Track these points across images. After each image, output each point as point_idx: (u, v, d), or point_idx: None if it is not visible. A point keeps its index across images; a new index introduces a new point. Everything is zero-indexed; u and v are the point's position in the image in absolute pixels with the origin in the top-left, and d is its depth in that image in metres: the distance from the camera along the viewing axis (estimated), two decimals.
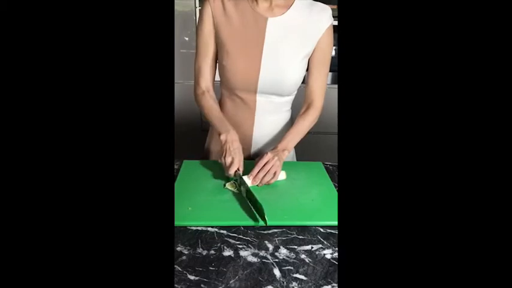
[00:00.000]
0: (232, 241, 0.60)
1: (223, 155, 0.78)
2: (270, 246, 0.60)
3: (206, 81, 0.90)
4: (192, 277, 0.52)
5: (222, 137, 0.80)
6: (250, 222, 0.65)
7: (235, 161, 0.76)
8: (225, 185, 0.76)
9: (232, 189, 0.74)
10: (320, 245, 0.61)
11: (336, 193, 0.76)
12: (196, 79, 0.90)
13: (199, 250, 0.58)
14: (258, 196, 0.68)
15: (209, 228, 0.63)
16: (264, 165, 0.77)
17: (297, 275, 0.54)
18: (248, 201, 0.70)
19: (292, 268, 0.55)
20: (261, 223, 0.64)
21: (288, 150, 0.83)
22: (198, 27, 0.87)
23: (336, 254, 0.59)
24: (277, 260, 0.57)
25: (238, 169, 0.76)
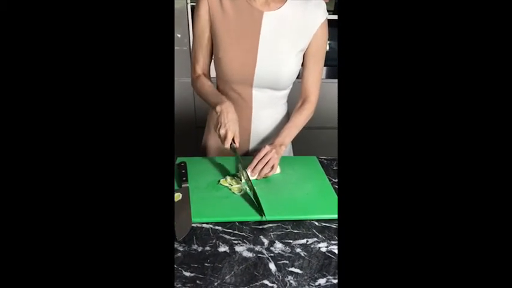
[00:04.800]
0: (228, 237, 0.60)
1: (218, 127, 0.78)
2: (265, 241, 0.60)
3: (201, 67, 0.91)
4: (187, 274, 0.52)
5: (217, 108, 0.80)
6: (246, 218, 0.65)
7: (229, 133, 0.76)
8: (219, 181, 0.75)
9: (226, 185, 0.74)
10: (315, 239, 0.61)
11: (331, 187, 0.76)
12: (193, 66, 0.93)
13: (195, 246, 0.58)
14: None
15: (204, 225, 0.63)
16: (262, 157, 0.78)
17: (293, 269, 0.54)
18: (251, 194, 0.70)
19: (287, 262, 0.55)
20: (258, 217, 0.64)
21: (284, 145, 0.84)
22: (194, 19, 0.87)
23: (331, 247, 0.59)
24: (272, 254, 0.57)
25: (233, 141, 0.77)
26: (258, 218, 0.65)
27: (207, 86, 0.89)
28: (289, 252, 0.57)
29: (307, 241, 0.60)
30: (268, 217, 0.64)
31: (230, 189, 0.73)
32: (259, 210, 0.65)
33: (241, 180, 0.75)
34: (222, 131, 0.76)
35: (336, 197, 0.72)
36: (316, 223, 0.65)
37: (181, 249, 0.57)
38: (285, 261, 0.55)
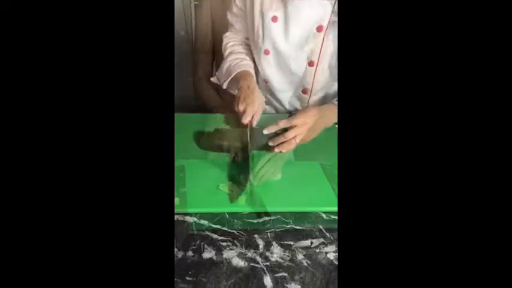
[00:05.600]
0: (225, 243, 0.59)
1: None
2: (261, 243, 0.58)
3: (203, 69, 0.92)
4: (188, 278, 0.51)
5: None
6: (245, 225, 0.64)
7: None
8: (218, 186, 0.74)
9: (226, 191, 0.72)
10: (316, 242, 0.59)
11: (332, 192, 0.74)
12: (195, 68, 0.93)
13: (190, 253, 0.56)
14: None
15: (201, 232, 0.61)
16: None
17: (292, 285, 0.52)
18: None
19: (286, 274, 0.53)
20: (257, 224, 0.63)
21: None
22: (197, 20, 0.86)
23: (329, 255, 0.57)
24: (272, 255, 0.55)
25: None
26: (257, 225, 0.64)
27: (210, 93, 0.89)
28: (289, 258, 0.55)
29: (310, 242, 0.59)
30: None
31: (229, 195, 0.71)
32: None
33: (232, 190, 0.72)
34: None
35: (336, 202, 0.70)
36: (321, 227, 0.63)
37: (180, 256, 0.56)
38: (283, 273, 0.53)
